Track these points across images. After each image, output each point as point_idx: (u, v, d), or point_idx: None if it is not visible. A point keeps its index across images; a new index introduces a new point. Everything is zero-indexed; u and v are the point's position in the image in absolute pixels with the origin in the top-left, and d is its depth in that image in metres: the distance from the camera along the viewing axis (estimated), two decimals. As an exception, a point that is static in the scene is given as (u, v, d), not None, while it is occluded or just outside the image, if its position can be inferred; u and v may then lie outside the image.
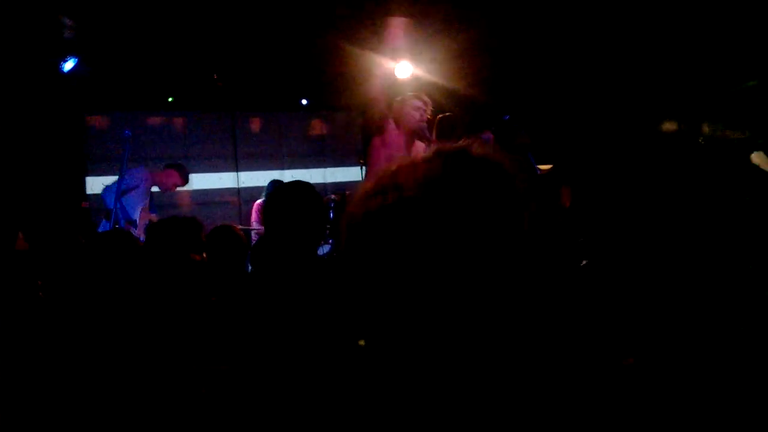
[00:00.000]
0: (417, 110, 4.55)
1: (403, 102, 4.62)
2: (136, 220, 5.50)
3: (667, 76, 5.30)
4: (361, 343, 0.73)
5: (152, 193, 5.74)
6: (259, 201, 6.33)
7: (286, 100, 7.57)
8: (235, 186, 7.64)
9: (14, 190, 5.77)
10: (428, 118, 4.61)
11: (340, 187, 7.26)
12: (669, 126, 5.20)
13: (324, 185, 7.77)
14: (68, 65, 6.00)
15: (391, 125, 4.64)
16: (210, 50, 6.46)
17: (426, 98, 4.66)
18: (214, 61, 6.83)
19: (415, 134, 4.62)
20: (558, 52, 5.97)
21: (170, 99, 7.29)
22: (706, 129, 4.84)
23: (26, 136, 6.08)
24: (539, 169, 4.99)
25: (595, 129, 5.79)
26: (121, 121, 6.92)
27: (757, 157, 3.45)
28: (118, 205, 5.22)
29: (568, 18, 5.62)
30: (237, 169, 7.66)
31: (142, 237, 5.35)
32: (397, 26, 6.11)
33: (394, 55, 6.33)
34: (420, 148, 4.66)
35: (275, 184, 5.96)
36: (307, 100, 7.67)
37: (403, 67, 6.36)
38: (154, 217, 5.64)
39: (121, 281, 2.07)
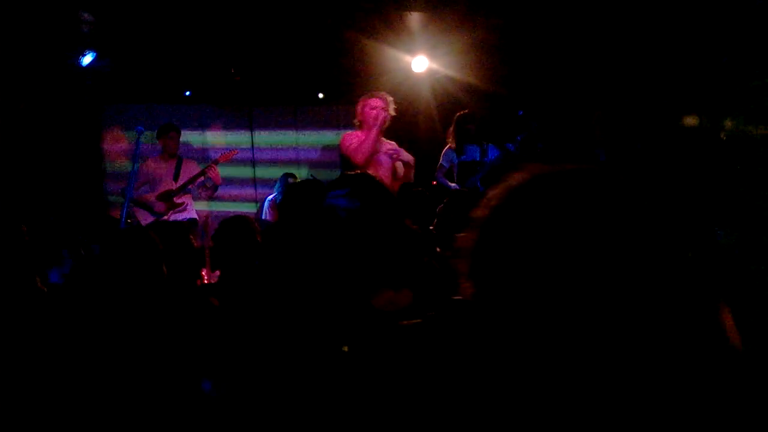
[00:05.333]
0: (374, 109, 4.46)
1: (363, 102, 4.53)
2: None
3: (689, 71, 5.20)
4: (345, 349, 0.72)
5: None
6: (270, 196, 6.29)
7: (303, 93, 7.56)
8: (252, 177, 7.62)
9: (27, 183, 5.81)
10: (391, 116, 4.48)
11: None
12: (690, 121, 5.11)
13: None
14: (86, 59, 6.02)
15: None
16: (227, 44, 6.45)
17: (385, 96, 4.53)
18: (231, 55, 6.83)
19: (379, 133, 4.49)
20: (576, 46, 5.89)
21: (187, 93, 7.30)
22: (728, 124, 4.74)
23: (43, 129, 6.12)
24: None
25: (615, 124, 5.70)
26: (138, 114, 6.93)
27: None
28: (127, 204, 5.22)
29: (587, 12, 5.53)
30: (253, 164, 7.65)
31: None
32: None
33: (411, 50, 6.27)
34: (386, 146, 4.55)
35: (287, 177, 5.93)
36: (323, 93, 7.65)
37: (419, 62, 6.30)
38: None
39: (130, 279, 2.06)
